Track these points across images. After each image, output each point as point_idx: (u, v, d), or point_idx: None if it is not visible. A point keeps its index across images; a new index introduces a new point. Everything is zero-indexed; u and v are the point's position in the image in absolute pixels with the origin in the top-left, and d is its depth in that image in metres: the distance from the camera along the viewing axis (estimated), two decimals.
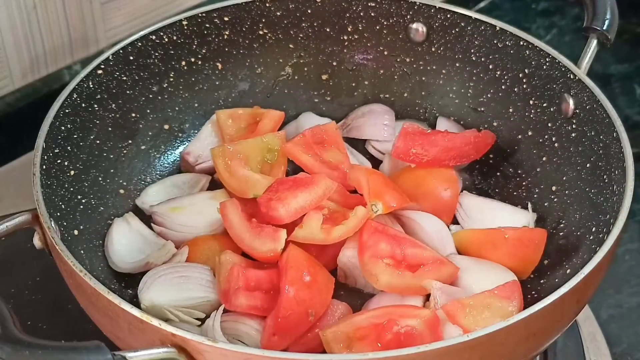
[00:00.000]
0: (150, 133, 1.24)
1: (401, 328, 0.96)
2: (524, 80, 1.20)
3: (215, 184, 1.20)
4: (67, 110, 1.11)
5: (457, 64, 1.26)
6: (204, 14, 1.24)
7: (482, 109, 1.26)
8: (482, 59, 1.24)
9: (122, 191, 1.19)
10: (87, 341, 0.82)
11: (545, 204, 1.16)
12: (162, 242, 1.12)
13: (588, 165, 1.11)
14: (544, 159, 1.18)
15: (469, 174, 1.23)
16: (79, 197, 1.11)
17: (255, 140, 1.19)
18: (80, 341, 0.82)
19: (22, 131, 1.37)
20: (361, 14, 1.27)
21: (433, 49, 1.27)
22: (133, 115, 1.22)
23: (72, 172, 1.11)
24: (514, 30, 1.20)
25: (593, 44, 1.15)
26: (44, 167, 1.04)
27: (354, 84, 1.31)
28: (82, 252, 1.07)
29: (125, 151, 1.21)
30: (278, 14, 1.26)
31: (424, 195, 1.15)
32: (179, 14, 1.24)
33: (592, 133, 1.11)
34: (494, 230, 1.10)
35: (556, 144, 1.17)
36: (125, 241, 1.12)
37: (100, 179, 1.16)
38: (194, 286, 1.05)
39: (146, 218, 1.17)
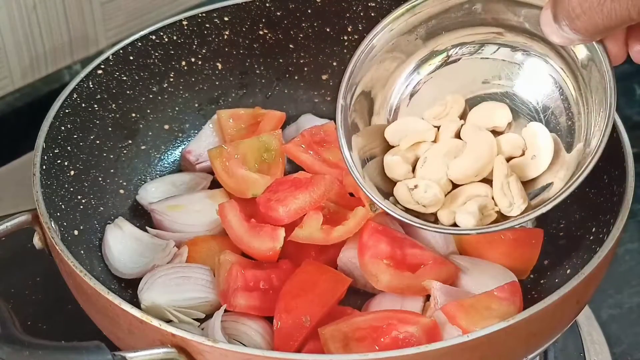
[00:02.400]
0: (150, 133, 1.24)
1: (400, 333, 0.96)
2: None
3: (216, 184, 1.20)
4: (67, 110, 1.11)
5: None
6: (204, 14, 1.24)
7: None
8: None
9: (122, 191, 1.19)
10: (87, 341, 0.82)
11: None
12: (160, 243, 1.12)
13: None
14: None
15: None
16: (79, 197, 1.11)
17: (252, 140, 1.19)
18: (80, 341, 0.82)
19: (22, 131, 1.37)
20: (361, 14, 1.27)
21: None
22: (133, 115, 1.22)
23: (72, 172, 1.11)
24: None
25: None
26: (44, 167, 1.04)
27: None
28: (82, 252, 1.07)
29: (125, 151, 1.21)
30: (278, 14, 1.26)
31: None
32: (179, 14, 1.24)
33: None
34: None
35: None
36: (123, 247, 1.11)
37: (100, 179, 1.16)
38: (193, 286, 1.05)
39: (139, 216, 1.17)
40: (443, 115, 1.04)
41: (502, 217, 0.98)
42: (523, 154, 1.00)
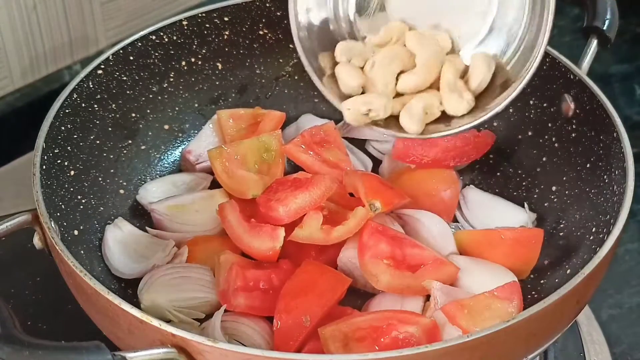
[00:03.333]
0: (150, 133, 1.24)
1: (400, 333, 0.96)
2: None
3: (216, 184, 1.20)
4: (67, 110, 1.11)
5: None
6: (204, 14, 1.24)
7: None
8: None
9: (122, 191, 1.19)
10: (87, 341, 0.82)
11: (545, 204, 1.16)
12: (160, 243, 1.12)
13: (588, 165, 1.11)
14: (544, 159, 1.18)
15: (469, 174, 1.23)
16: (79, 197, 1.11)
17: (252, 140, 1.19)
18: (80, 341, 0.82)
19: (22, 131, 1.37)
20: None
21: None
22: (133, 115, 1.22)
23: (72, 172, 1.11)
24: None
25: (593, 44, 1.15)
26: (44, 167, 1.04)
27: None
28: (82, 252, 1.07)
29: (125, 151, 1.21)
30: (278, 14, 1.26)
31: (424, 196, 1.15)
32: (179, 14, 1.24)
33: (592, 133, 1.11)
34: (491, 230, 1.11)
35: (556, 144, 1.17)
36: (123, 248, 1.11)
37: (100, 179, 1.16)
38: (193, 286, 1.05)
39: (140, 216, 1.17)
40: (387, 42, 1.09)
41: (447, 118, 1.05)
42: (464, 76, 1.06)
